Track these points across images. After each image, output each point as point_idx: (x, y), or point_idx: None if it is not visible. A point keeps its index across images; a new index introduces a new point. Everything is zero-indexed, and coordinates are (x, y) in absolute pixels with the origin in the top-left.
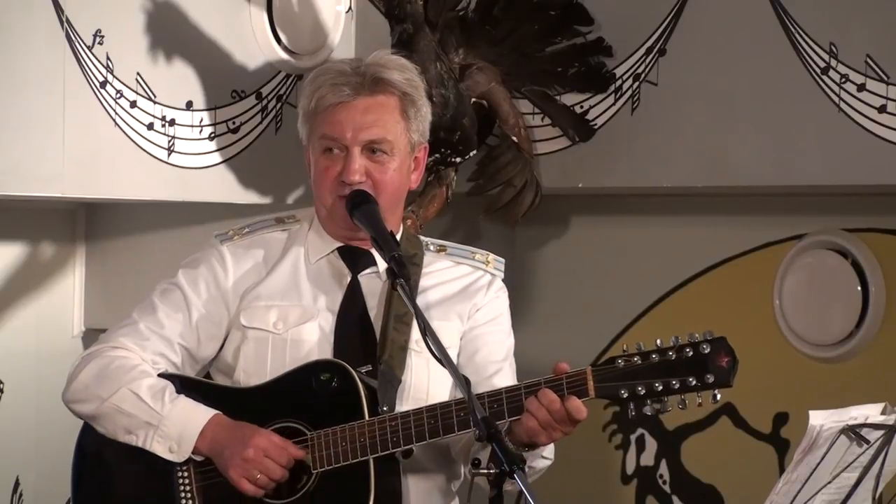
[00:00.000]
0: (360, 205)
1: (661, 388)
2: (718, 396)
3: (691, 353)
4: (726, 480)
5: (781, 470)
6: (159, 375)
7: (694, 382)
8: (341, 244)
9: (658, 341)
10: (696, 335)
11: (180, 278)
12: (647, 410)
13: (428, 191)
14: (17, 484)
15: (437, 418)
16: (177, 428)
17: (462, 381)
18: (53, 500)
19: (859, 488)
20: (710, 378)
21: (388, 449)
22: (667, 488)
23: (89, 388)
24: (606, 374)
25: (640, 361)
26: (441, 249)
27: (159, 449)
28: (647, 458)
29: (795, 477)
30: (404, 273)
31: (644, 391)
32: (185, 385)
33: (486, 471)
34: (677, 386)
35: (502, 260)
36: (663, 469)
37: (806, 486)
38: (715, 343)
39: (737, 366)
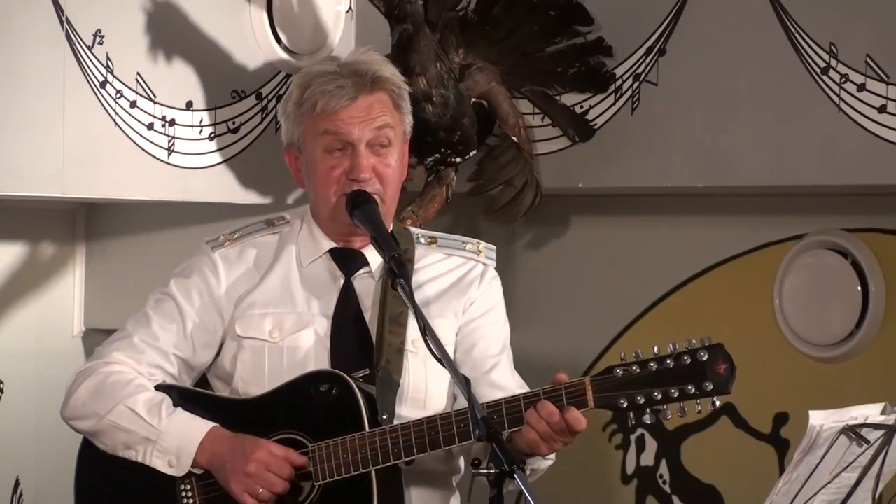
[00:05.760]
0: (361, 205)
1: (659, 396)
2: (718, 403)
3: (689, 361)
4: (726, 480)
5: (781, 470)
6: (156, 387)
7: (693, 391)
8: (333, 245)
9: (655, 349)
10: (694, 342)
11: (173, 288)
12: (647, 419)
13: (428, 191)
14: (16, 484)
15: (437, 430)
16: (175, 442)
17: (462, 381)
18: (53, 500)
19: (859, 488)
20: (709, 386)
21: (389, 461)
22: (667, 488)
23: (87, 404)
24: (605, 384)
25: (638, 370)
26: (432, 241)
27: (159, 464)
28: (647, 458)
29: (795, 477)
30: (404, 273)
31: (643, 400)
32: (183, 397)
33: (486, 471)
34: (676, 394)
35: (493, 247)
36: (663, 469)
37: (806, 486)
38: (712, 350)
39: (735, 372)
